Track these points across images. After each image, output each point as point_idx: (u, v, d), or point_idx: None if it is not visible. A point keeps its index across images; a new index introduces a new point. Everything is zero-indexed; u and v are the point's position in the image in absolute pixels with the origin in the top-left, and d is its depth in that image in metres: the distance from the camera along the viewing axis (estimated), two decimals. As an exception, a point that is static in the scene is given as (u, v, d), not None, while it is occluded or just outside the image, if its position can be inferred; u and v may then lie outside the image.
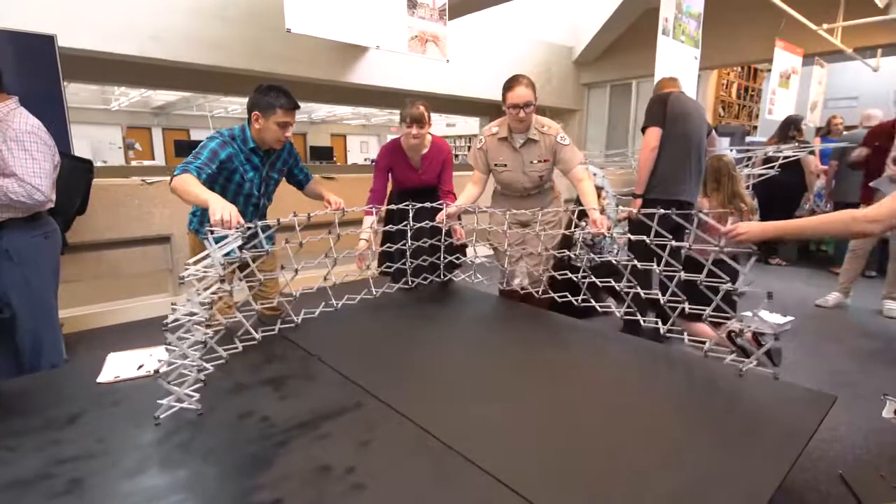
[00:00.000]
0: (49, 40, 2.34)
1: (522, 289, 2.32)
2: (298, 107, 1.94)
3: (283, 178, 2.23)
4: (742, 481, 1.06)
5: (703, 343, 1.76)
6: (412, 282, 2.36)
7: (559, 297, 2.25)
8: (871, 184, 3.25)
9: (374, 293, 2.25)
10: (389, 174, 2.50)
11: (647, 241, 1.82)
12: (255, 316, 1.90)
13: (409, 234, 2.25)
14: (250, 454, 1.16)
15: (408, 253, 2.28)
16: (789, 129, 4.62)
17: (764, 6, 4.38)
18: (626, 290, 1.94)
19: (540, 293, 2.25)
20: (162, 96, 12.78)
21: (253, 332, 1.81)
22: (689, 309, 1.83)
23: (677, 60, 3.36)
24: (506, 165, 2.32)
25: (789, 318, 3.06)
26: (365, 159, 16.65)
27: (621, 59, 8.46)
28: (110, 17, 4.43)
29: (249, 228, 1.68)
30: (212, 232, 1.56)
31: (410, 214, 2.24)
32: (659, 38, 3.18)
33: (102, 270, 3.09)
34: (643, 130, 2.71)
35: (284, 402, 1.41)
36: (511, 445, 1.21)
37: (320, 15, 2.20)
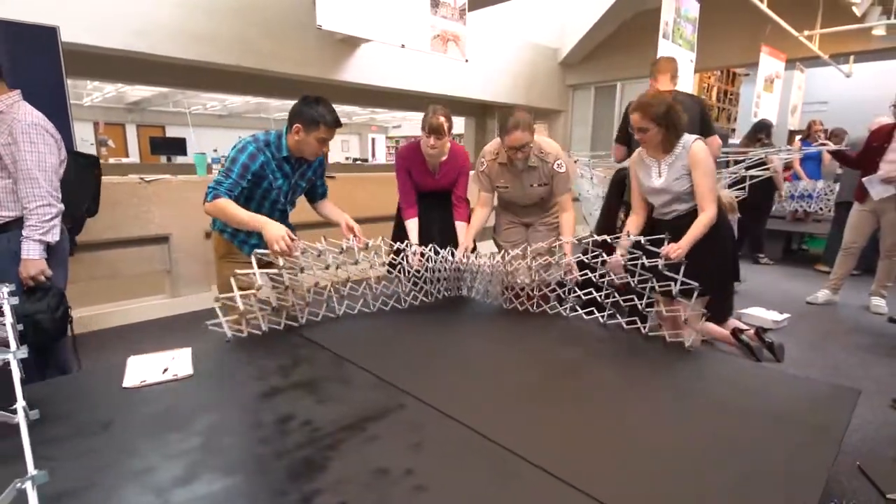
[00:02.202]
0: (52, 32, 2.24)
1: (523, 289, 2.28)
2: (341, 124, 1.91)
3: None
4: (789, 477, 1.09)
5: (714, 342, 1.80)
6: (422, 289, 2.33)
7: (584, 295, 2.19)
8: (863, 180, 3.37)
9: (399, 301, 2.24)
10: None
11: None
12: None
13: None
14: (302, 458, 1.14)
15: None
16: (758, 133, 4.74)
17: (748, 12, 4.52)
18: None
19: (542, 290, 2.20)
20: (137, 92, 12.42)
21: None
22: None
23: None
24: (507, 187, 2.37)
25: (786, 316, 3.17)
26: (346, 158, 16.48)
27: (606, 62, 8.59)
28: (93, 10, 4.29)
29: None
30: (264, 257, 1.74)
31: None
32: (660, 41, 3.24)
33: (99, 271, 2.99)
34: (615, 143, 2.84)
35: (324, 405, 1.38)
36: (560, 442, 1.22)
37: (350, 13, 2.17)
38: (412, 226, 2.39)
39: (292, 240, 1.73)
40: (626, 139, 2.79)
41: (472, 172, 2.49)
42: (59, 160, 1.75)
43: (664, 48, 3.27)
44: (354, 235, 1.97)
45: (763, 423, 1.31)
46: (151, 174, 3.28)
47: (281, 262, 1.73)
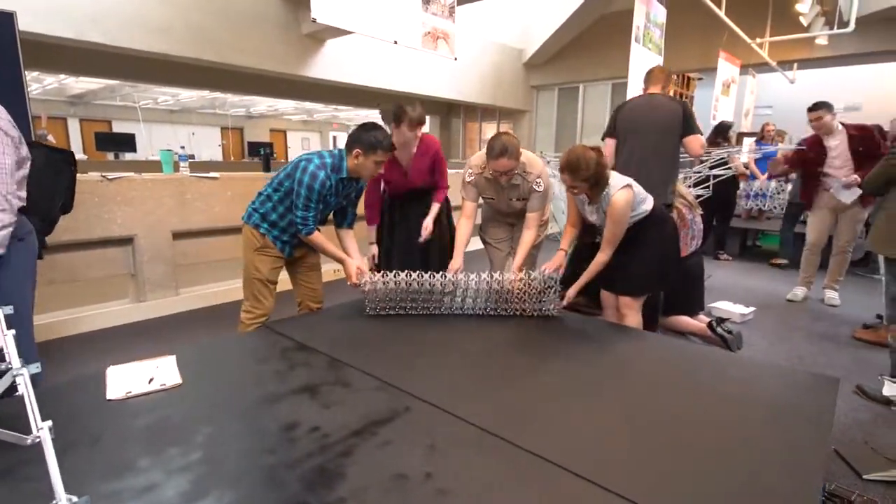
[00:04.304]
0: (9, 18, 2.06)
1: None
2: (395, 148, 2.10)
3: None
4: (792, 464, 1.14)
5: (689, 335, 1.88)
6: None
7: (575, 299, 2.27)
8: (830, 190, 3.57)
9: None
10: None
11: None
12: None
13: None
14: (316, 467, 1.10)
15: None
16: (718, 135, 5.00)
17: (707, 17, 4.71)
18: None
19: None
20: (82, 84, 11.68)
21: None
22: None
23: (645, 66, 3.54)
24: (493, 199, 2.43)
25: (751, 309, 3.33)
26: (307, 156, 16.11)
27: (569, 64, 8.79)
28: (42, -5, 4.02)
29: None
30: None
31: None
32: (632, 45, 3.33)
33: (57, 275, 2.78)
34: (603, 139, 2.93)
35: (329, 410, 1.34)
36: (573, 439, 1.22)
37: (344, 7, 2.12)
38: (374, 231, 2.55)
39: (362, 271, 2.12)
40: (612, 131, 2.93)
41: (457, 178, 2.53)
42: (14, 160, 1.59)
43: (636, 52, 3.36)
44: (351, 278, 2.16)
45: (757, 414, 1.36)
46: (111, 171, 3.09)
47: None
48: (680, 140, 2.77)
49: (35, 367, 0.75)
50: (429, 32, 2.57)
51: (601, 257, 2.15)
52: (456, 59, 2.79)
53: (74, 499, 0.57)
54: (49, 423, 0.66)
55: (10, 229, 1.56)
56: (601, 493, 1.03)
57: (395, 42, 2.46)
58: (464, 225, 2.40)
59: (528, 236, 2.35)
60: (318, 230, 2.09)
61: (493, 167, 2.17)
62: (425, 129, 2.45)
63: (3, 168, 1.54)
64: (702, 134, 2.80)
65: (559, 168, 2.09)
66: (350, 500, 1.00)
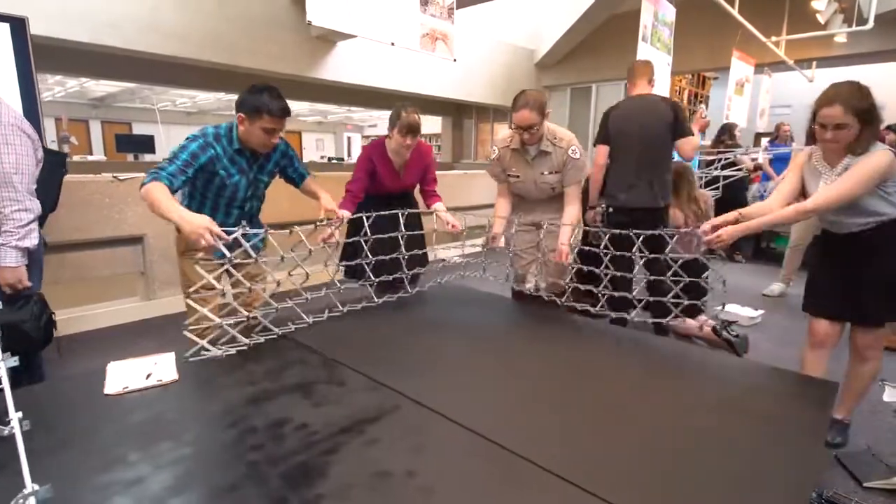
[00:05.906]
0: (21, 23, 2.13)
1: (536, 291, 2.23)
2: (289, 113, 1.79)
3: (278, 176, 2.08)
4: (783, 468, 1.12)
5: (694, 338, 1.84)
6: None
7: (580, 305, 2.09)
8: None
9: (376, 300, 2.19)
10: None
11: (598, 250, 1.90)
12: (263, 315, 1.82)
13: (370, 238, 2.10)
14: (299, 463, 1.11)
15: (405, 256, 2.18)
16: (723, 135, 5.01)
17: (720, 16, 4.65)
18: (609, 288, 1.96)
19: (560, 297, 2.12)
20: (102, 87, 11.98)
21: (273, 327, 1.83)
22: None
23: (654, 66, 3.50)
24: (518, 177, 2.28)
25: (760, 312, 3.27)
26: (321, 157, 16.29)
27: (581, 64, 8.71)
28: (60, 1, 4.12)
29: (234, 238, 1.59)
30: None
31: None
32: (639, 44, 3.30)
33: (65, 274, 2.86)
34: (594, 145, 2.85)
35: (319, 408, 1.36)
36: (567, 444, 1.21)
37: (340, 9, 2.14)
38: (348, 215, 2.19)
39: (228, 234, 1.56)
40: (606, 136, 2.80)
41: (457, 182, 2.50)
42: (35, 161, 1.68)
43: (643, 51, 3.33)
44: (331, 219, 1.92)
45: (752, 417, 1.34)
46: (123, 173, 3.16)
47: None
48: (672, 142, 2.68)
49: (13, 361, 0.77)
50: (427, 34, 2.57)
51: (799, 206, 1.65)
52: (455, 60, 2.80)
53: (36, 487, 0.59)
54: (19, 413, 0.68)
55: (36, 223, 1.65)
56: (590, 499, 1.01)
57: (393, 44, 2.46)
58: (502, 203, 2.34)
59: (571, 212, 2.20)
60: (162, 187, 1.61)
61: (514, 121, 2.07)
62: (436, 128, 2.45)
63: (27, 168, 1.62)
64: (693, 135, 2.72)
65: (819, 103, 1.64)
66: (330, 497, 1.01)
